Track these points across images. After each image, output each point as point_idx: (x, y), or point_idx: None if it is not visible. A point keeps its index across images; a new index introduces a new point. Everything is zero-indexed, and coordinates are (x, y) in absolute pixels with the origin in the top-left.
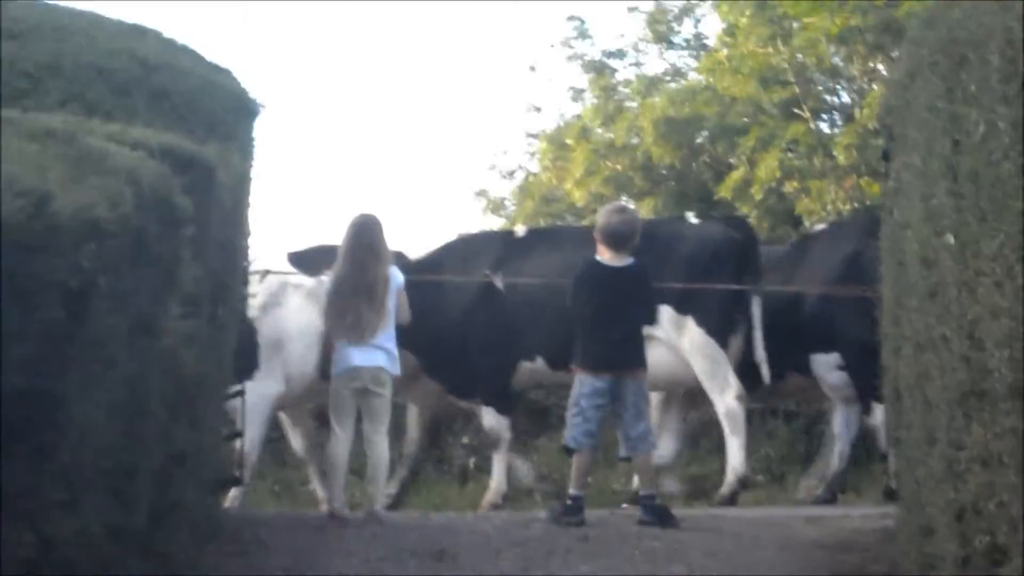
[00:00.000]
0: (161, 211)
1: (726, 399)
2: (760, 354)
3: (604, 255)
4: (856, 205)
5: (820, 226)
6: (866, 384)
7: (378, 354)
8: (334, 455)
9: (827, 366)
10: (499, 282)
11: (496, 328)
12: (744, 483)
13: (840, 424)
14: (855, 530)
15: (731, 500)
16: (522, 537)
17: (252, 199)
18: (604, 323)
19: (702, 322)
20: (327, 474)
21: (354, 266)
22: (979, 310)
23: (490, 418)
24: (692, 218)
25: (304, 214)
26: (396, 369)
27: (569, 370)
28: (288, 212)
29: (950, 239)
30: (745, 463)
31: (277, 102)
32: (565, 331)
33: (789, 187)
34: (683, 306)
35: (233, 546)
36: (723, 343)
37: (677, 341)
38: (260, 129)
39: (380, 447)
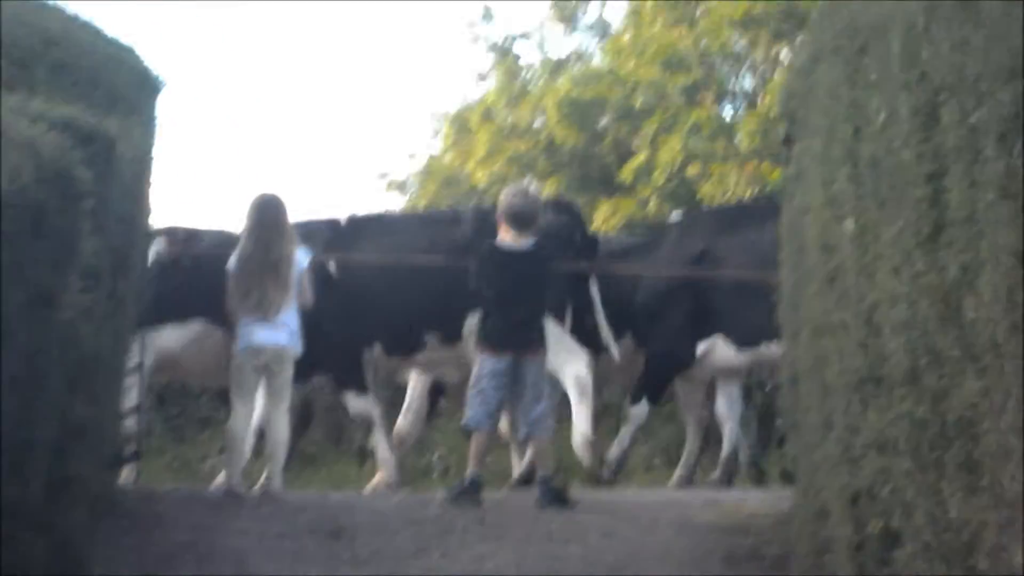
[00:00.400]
0: (61, 184)
1: (575, 368)
2: (607, 335)
3: (506, 237)
4: (756, 190)
5: (675, 217)
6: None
7: (281, 332)
8: (233, 431)
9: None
10: (332, 268)
11: (340, 313)
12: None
13: (723, 405)
14: (751, 514)
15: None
16: (420, 516)
17: (154, 175)
18: (505, 304)
19: None
20: (226, 450)
21: (258, 245)
22: (877, 296)
23: (352, 402)
24: None
25: (206, 192)
26: (298, 347)
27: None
28: (190, 190)
29: (850, 225)
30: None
31: (181, 78)
32: (402, 319)
33: (691, 171)
34: None
35: (129, 521)
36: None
37: None
38: (163, 106)
39: (280, 424)
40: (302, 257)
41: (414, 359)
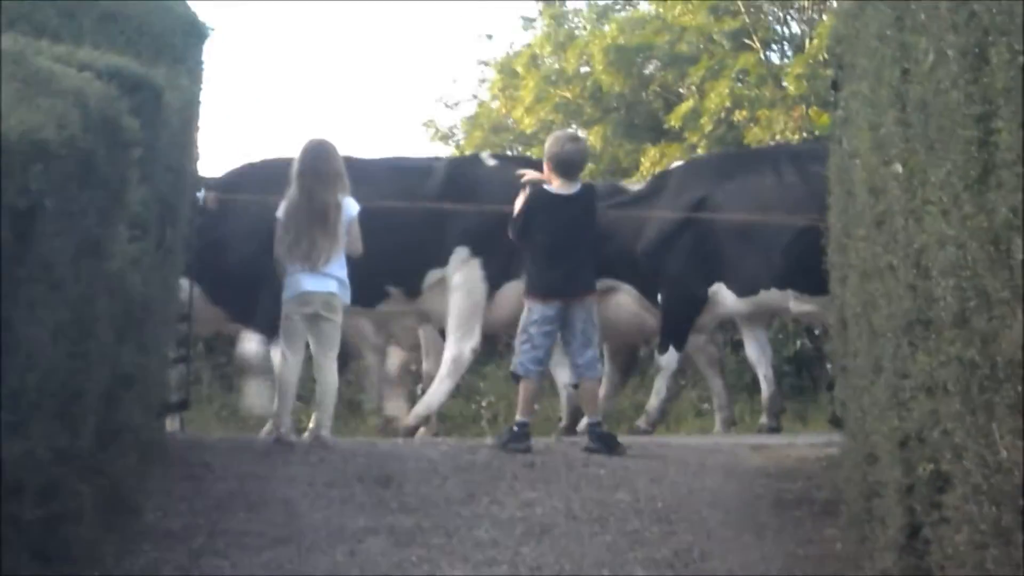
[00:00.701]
0: (109, 133)
1: (463, 346)
2: None
3: (554, 183)
4: (805, 135)
5: (676, 163)
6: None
7: (329, 280)
8: (283, 379)
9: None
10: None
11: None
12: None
13: (754, 350)
14: (800, 458)
15: (412, 432)
16: (468, 463)
17: (201, 123)
18: (554, 251)
19: (485, 266)
20: (276, 398)
21: (303, 192)
22: (925, 239)
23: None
24: (489, 160)
25: (252, 139)
26: (347, 296)
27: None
28: (236, 137)
29: (898, 168)
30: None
31: (228, 25)
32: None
33: (738, 116)
34: (477, 248)
35: (179, 469)
36: (492, 292)
37: (451, 276)
38: (209, 52)
39: (329, 373)
40: (351, 205)
41: (375, 311)
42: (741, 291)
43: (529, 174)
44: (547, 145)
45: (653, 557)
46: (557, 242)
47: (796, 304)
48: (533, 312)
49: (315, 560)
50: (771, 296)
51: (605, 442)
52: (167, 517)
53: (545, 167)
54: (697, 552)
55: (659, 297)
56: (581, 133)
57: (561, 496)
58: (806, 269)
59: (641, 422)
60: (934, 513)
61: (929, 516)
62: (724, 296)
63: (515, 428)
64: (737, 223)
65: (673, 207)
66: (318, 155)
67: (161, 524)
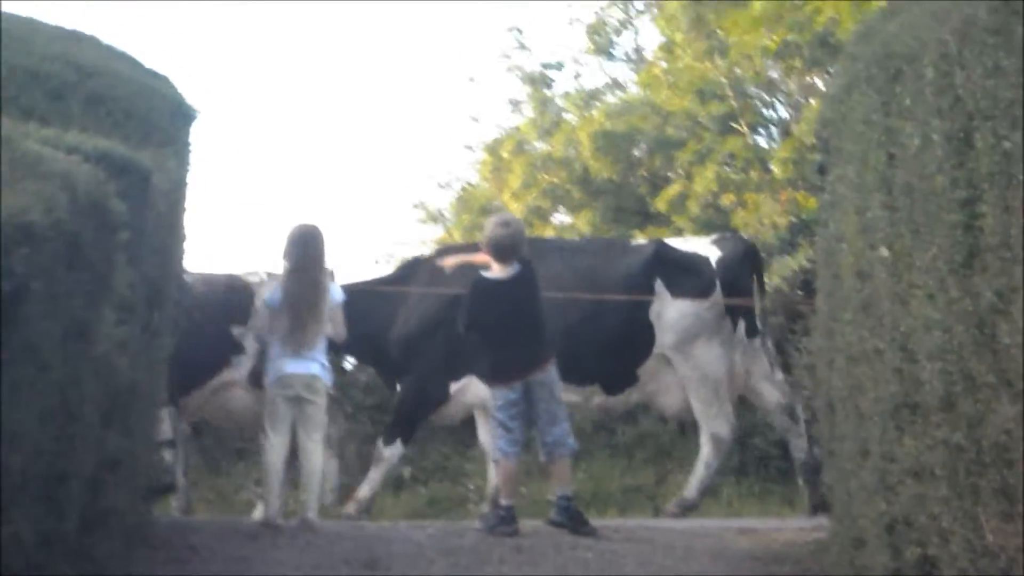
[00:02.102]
0: (96, 216)
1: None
2: None
3: (493, 268)
4: (792, 219)
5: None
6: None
7: (311, 363)
8: (268, 462)
9: None
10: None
11: None
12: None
13: (485, 435)
14: (787, 542)
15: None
16: (455, 546)
17: (188, 205)
18: (503, 334)
19: None
20: (262, 482)
21: (303, 281)
22: (912, 322)
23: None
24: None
25: (241, 222)
26: (329, 378)
27: None
28: (225, 219)
29: (884, 252)
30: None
31: (216, 109)
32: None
33: (726, 200)
34: None
35: (165, 553)
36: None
37: None
38: (197, 135)
39: (314, 455)
40: (336, 291)
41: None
42: None
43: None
44: (483, 231)
45: None
46: (504, 325)
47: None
48: (498, 397)
49: None
50: None
51: (571, 517)
52: None
53: (485, 253)
54: None
55: (398, 387)
56: (566, 218)
57: None
58: (570, 359)
59: (351, 508)
60: None
61: None
62: (477, 387)
63: (501, 512)
64: None
65: (423, 295)
66: (309, 241)
67: None
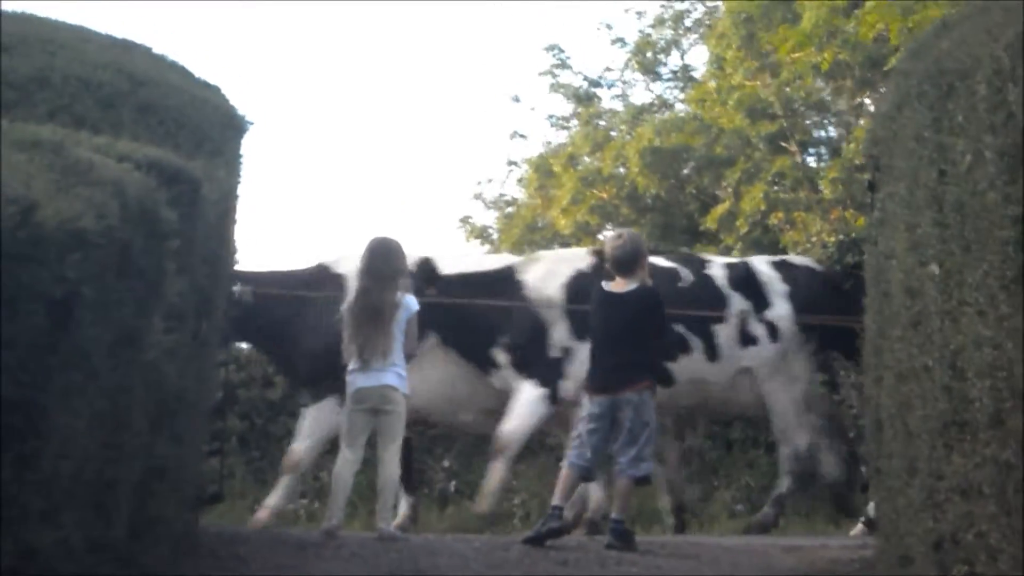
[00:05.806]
0: (146, 224)
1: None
2: None
3: (611, 281)
4: (842, 237)
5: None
6: None
7: (384, 374)
8: (339, 475)
9: None
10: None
11: None
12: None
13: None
14: (833, 559)
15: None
16: (501, 559)
17: (238, 215)
18: (604, 347)
19: None
20: (330, 492)
21: (362, 290)
22: (962, 340)
23: None
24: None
25: (289, 234)
26: (405, 388)
27: None
28: (273, 229)
29: (935, 269)
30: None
31: (268, 122)
32: None
33: (774, 219)
34: None
35: (211, 562)
36: None
37: None
38: (248, 146)
39: (390, 465)
40: (410, 303)
41: None
42: None
43: None
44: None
45: None
46: (607, 338)
47: None
48: (586, 407)
49: None
50: None
51: (624, 540)
52: None
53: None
54: None
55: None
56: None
57: None
58: None
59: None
60: None
61: None
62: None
63: (549, 510)
64: None
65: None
66: (378, 254)
67: None
